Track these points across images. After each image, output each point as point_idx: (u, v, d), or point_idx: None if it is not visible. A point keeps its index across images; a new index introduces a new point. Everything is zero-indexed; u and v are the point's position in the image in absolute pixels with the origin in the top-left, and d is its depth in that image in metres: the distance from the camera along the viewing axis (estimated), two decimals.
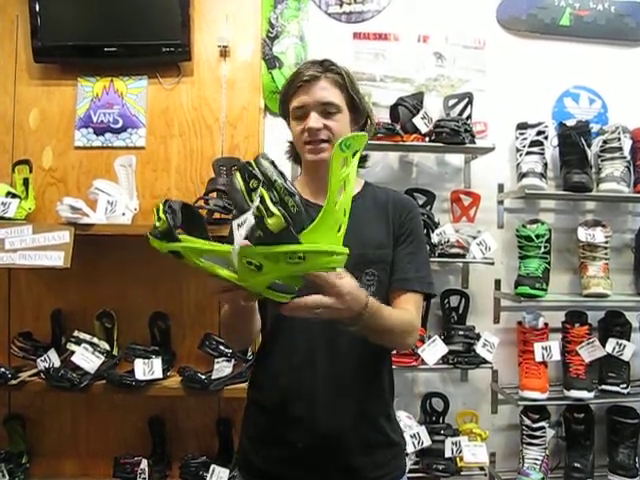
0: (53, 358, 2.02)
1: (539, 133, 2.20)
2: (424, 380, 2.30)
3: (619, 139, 2.19)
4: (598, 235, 2.16)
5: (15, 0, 2.24)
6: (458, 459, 2.08)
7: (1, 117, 2.26)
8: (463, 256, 2.11)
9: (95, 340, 2.06)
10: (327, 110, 1.26)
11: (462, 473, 2.09)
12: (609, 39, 2.37)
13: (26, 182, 2.15)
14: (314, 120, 1.25)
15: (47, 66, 2.26)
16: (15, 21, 2.26)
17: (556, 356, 2.13)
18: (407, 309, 1.25)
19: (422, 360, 2.06)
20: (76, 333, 2.05)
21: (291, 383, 1.25)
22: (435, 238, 2.10)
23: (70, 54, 2.22)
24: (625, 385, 2.15)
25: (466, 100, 2.23)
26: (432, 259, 2.00)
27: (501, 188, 2.30)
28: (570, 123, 2.21)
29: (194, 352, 2.18)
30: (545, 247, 2.16)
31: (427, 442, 2.05)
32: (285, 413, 1.25)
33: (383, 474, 1.28)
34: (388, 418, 1.32)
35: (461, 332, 2.16)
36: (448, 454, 2.07)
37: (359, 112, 1.32)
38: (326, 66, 1.28)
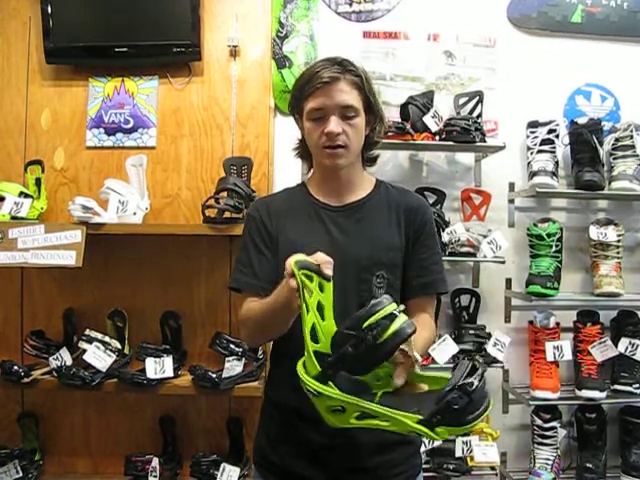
0: (65, 356, 2.04)
1: (550, 131, 2.19)
2: None
3: (631, 137, 2.16)
4: (610, 234, 2.14)
5: (27, 2, 2.26)
6: (469, 459, 2.07)
7: (14, 118, 2.29)
8: (474, 255, 2.11)
9: (107, 339, 2.07)
10: (346, 114, 1.25)
11: (473, 473, 2.09)
12: (622, 36, 2.35)
13: (38, 182, 2.17)
14: (334, 124, 1.23)
15: (59, 67, 2.28)
16: (27, 23, 2.28)
17: (567, 356, 2.12)
18: (425, 315, 1.28)
19: (433, 359, 2.06)
20: (88, 332, 2.05)
21: None
22: (445, 237, 2.09)
23: (81, 55, 2.24)
24: (638, 385, 2.12)
25: (476, 98, 2.22)
26: (443, 258, 1.99)
27: (512, 187, 2.28)
28: (582, 121, 2.19)
29: (205, 351, 2.19)
30: (556, 246, 2.15)
31: (437, 441, 2.04)
32: (300, 412, 1.24)
33: (399, 472, 1.28)
34: None
35: (472, 331, 2.15)
36: (459, 454, 2.06)
37: (374, 114, 1.32)
38: (345, 66, 1.25)
